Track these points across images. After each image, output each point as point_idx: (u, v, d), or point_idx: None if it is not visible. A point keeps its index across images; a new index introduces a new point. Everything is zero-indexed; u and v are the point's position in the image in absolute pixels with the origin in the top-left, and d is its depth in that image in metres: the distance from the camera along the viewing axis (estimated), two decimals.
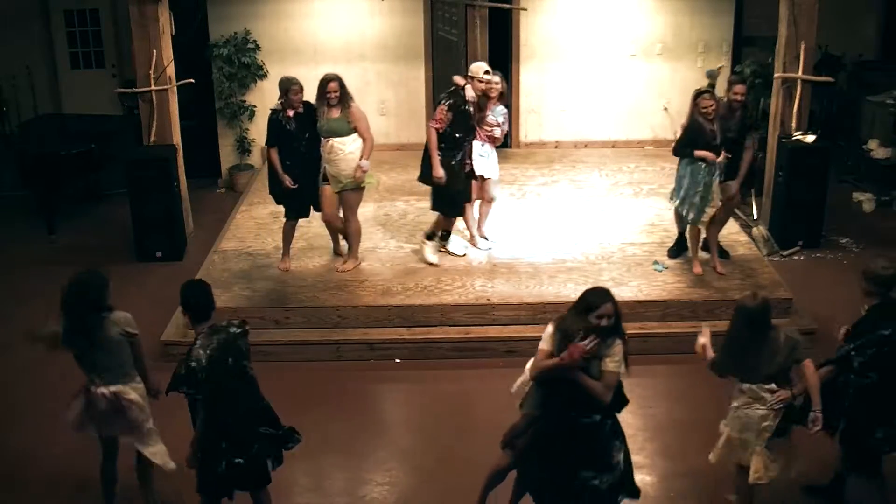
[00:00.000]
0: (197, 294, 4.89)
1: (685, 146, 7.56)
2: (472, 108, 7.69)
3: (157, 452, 5.28)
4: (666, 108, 11.16)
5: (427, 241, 8.10)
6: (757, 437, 5.00)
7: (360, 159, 7.60)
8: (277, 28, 10.90)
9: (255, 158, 11.20)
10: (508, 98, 8.60)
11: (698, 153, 7.44)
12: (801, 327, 7.23)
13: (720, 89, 8.95)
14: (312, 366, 7.25)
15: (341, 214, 7.99)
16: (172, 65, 9.04)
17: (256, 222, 9.26)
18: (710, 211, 7.64)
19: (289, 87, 7.55)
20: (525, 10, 10.36)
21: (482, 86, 7.73)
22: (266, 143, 7.76)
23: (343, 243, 8.29)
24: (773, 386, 4.93)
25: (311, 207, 8.01)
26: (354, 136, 7.60)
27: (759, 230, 9.01)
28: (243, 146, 11.13)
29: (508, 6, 9.96)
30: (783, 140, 8.88)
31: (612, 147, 11.38)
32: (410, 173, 10.35)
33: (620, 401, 4.74)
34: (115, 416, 5.18)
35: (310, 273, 8.09)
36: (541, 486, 4.87)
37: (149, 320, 5.34)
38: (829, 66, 10.52)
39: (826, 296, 7.83)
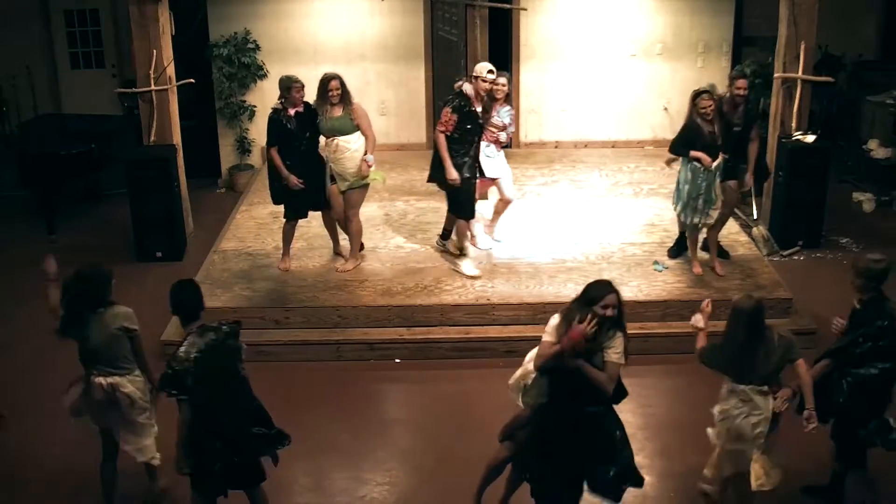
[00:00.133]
0: (186, 294, 4.90)
1: (681, 145, 7.57)
2: (476, 107, 7.60)
3: (142, 448, 5.31)
4: (666, 108, 11.16)
5: (461, 259, 7.95)
6: (752, 443, 5.01)
7: (365, 154, 7.61)
8: (277, 28, 10.90)
9: (255, 158, 11.20)
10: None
11: (694, 154, 7.44)
12: (801, 327, 7.26)
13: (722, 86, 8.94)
14: (312, 366, 7.25)
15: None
16: (172, 65, 9.05)
17: (256, 222, 9.26)
18: (713, 213, 7.63)
19: (290, 85, 7.55)
20: (525, 10, 10.36)
21: (486, 85, 7.62)
22: (267, 144, 7.73)
23: (343, 243, 8.30)
24: (766, 388, 4.95)
25: (311, 208, 8.01)
26: (358, 133, 7.62)
27: (759, 230, 9.01)
28: (243, 146, 11.14)
29: (508, 6, 9.95)
30: (783, 140, 8.88)
31: (612, 147, 11.38)
32: (410, 173, 10.40)
33: (620, 392, 4.82)
34: (108, 406, 5.22)
35: (310, 273, 8.09)
36: (542, 477, 4.89)
37: (148, 320, 5.35)
38: (829, 66, 10.52)
39: (826, 296, 7.82)
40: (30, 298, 8.31)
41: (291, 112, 7.58)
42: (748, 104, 7.88)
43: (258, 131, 11.10)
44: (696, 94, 7.46)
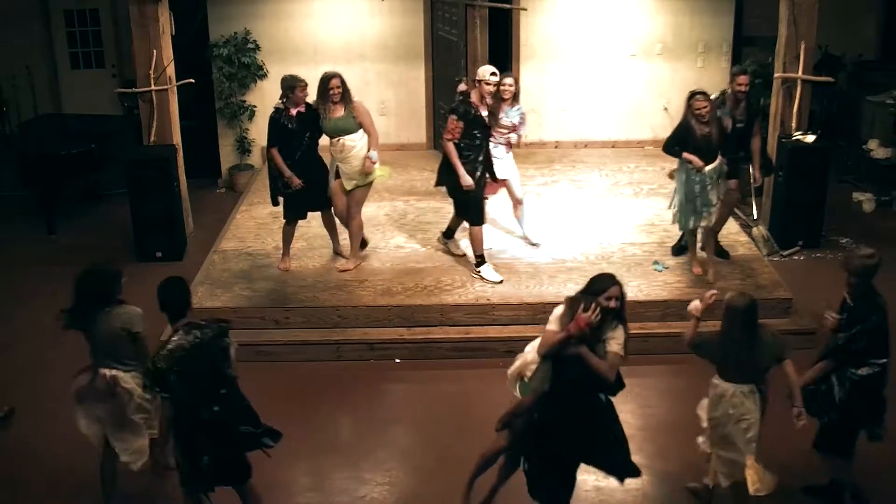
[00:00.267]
0: (173, 292, 4.92)
1: (673, 144, 7.57)
2: (481, 111, 7.55)
3: (128, 448, 5.33)
4: (666, 108, 11.16)
5: (480, 268, 7.90)
6: (746, 448, 5.03)
7: (368, 151, 7.62)
8: (277, 28, 10.90)
9: (255, 158, 11.20)
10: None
11: (686, 156, 7.44)
12: (801, 327, 7.27)
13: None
14: (312, 366, 7.25)
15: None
16: (172, 65, 9.05)
17: (256, 222, 9.26)
18: (708, 217, 7.58)
19: (295, 84, 7.54)
20: (525, 10, 10.36)
21: (490, 88, 7.55)
22: (267, 144, 7.72)
23: (344, 243, 8.31)
24: (753, 388, 5.00)
25: (310, 209, 8.01)
26: (362, 131, 7.64)
27: (759, 230, 9.01)
28: (243, 146, 11.13)
29: (508, 6, 9.96)
30: (783, 140, 8.88)
31: (612, 147, 11.37)
32: (410, 173, 10.40)
33: (618, 385, 4.91)
34: (105, 396, 5.28)
35: (310, 273, 8.09)
36: (538, 466, 4.93)
37: (148, 320, 5.35)
38: (829, 66, 10.52)
39: (826, 296, 7.78)
40: (30, 298, 8.34)
41: (293, 112, 7.58)
42: (749, 100, 7.90)
43: (258, 131, 11.10)
44: (692, 95, 7.43)
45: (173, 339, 4.75)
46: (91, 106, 11.49)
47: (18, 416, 6.55)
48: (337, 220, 8.22)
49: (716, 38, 11.09)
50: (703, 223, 7.65)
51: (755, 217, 9.48)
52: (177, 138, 9.20)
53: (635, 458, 5.96)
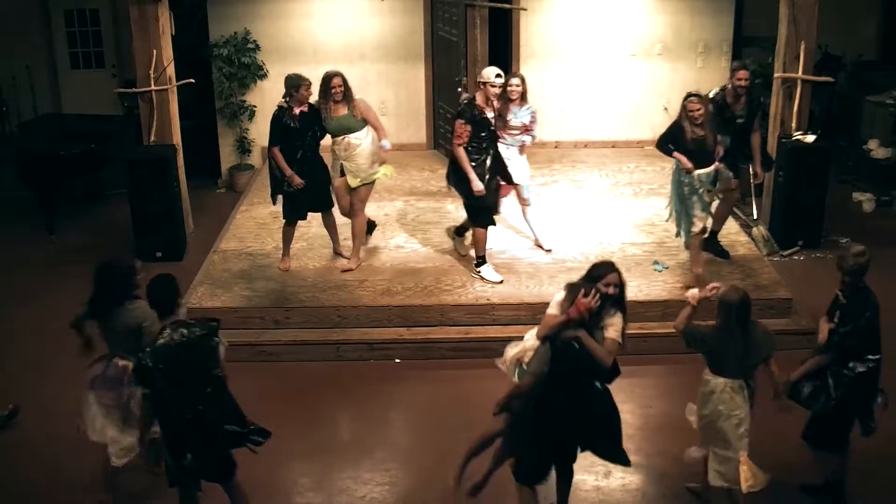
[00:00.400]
0: (162, 289, 4.94)
1: (665, 142, 7.53)
2: (487, 113, 7.52)
3: (120, 443, 5.36)
4: (666, 108, 11.14)
5: (480, 268, 7.89)
6: (738, 444, 5.07)
7: (382, 141, 7.69)
8: (277, 28, 10.89)
9: (255, 158, 11.20)
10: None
11: (676, 154, 7.43)
12: (801, 327, 7.27)
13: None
14: (312, 366, 7.26)
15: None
16: (172, 65, 9.05)
17: (256, 222, 9.26)
18: (697, 222, 7.51)
19: (300, 83, 7.55)
20: (525, 10, 10.36)
21: (496, 90, 7.52)
22: (269, 143, 7.71)
23: (344, 243, 8.32)
24: (743, 383, 5.06)
25: (310, 209, 8.01)
26: (367, 129, 7.68)
27: (759, 230, 9.01)
28: (243, 146, 11.13)
29: (508, 6, 9.96)
30: (783, 140, 8.88)
31: (612, 147, 11.37)
32: (410, 173, 10.41)
33: (613, 371, 5.01)
34: (115, 384, 5.35)
35: (310, 273, 8.09)
36: (530, 449, 5.00)
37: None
38: (829, 66, 10.52)
39: (826, 296, 7.79)
40: (30, 298, 8.34)
41: (296, 111, 7.58)
42: (750, 95, 7.89)
43: (258, 131, 11.10)
44: (687, 96, 7.37)
45: (161, 336, 4.76)
46: (91, 106, 11.49)
47: (19, 417, 6.55)
48: (337, 221, 8.22)
49: (716, 38, 11.09)
50: (694, 228, 7.54)
51: (755, 217, 9.48)
52: (177, 138, 9.20)
53: (635, 457, 6.00)
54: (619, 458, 5.13)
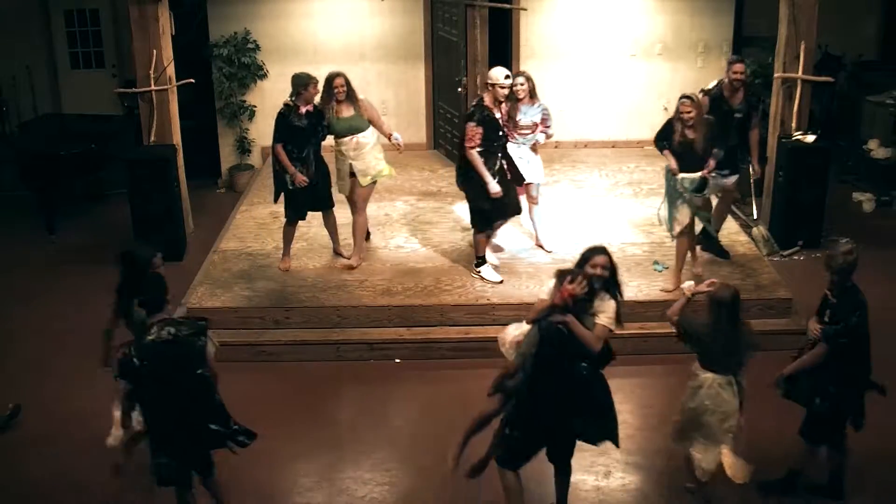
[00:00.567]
0: (150, 287, 4.96)
1: (661, 139, 7.54)
2: (496, 113, 7.50)
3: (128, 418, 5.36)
4: (666, 108, 11.12)
5: (480, 268, 7.87)
6: (723, 438, 5.14)
7: (391, 135, 7.83)
8: (277, 28, 10.89)
9: (255, 158, 11.20)
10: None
11: (665, 153, 7.43)
12: (801, 327, 7.22)
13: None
14: (312, 366, 7.26)
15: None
16: (172, 65, 9.05)
17: (256, 222, 9.26)
18: (676, 226, 7.50)
19: (308, 81, 7.58)
20: (525, 10, 10.36)
21: (505, 91, 7.50)
22: (273, 140, 7.70)
23: (344, 243, 8.33)
24: (731, 379, 5.12)
25: (311, 209, 8.01)
26: (372, 128, 7.77)
27: (759, 230, 9.01)
28: (243, 146, 11.13)
29: (508, 6, 9.96)
30: (783, 140, 8.88)
31: (612, 147, 11.37)
32: (410, 173, 10.41)
33: (607, 356, 5.07)
34: None
35: (310, 273, 8.09)
36: (518, 431, 5.05)
37: None
38: (829, 66, 10.52)
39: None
40: (30, 298, 8.34)
41: (302, 110, 7.59)
42: (748, 89, 7.89)
43: (258, 131, 11.11)
44: (680, 97, 7.34)
45: (149, 333, 4.79)
46: (91, 106, 11.49)
47: (19, 417, 6.54)
48: (338, 221, 8.23)
49: (716, 38, 11.09)
50: (675, 229, 7.53)
51: (755, 217, 9.48)
52: (177, 138, 9.20)
53: (635, 457, 6.02)
54: (610, 436, 5.18)
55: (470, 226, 8.30)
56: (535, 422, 5.01)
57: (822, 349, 5.24)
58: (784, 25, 8.75)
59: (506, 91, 7.51)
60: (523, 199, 8.26)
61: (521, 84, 7.80)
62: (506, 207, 7.72)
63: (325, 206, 8.03)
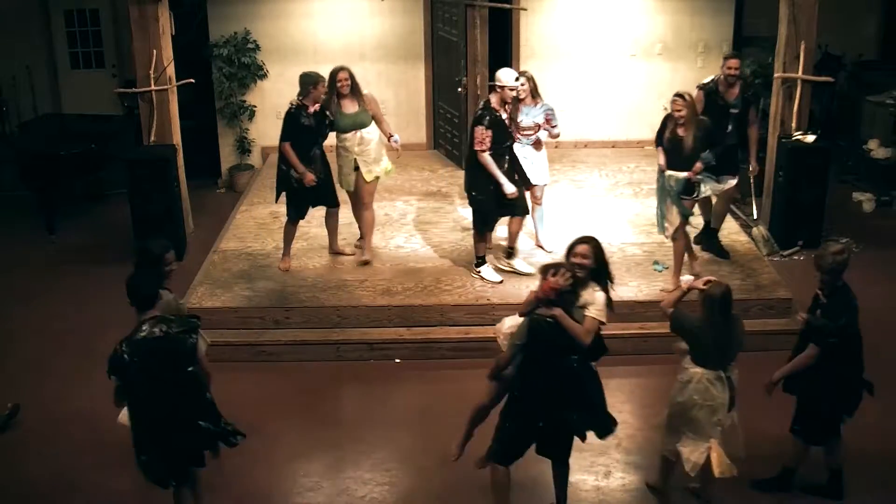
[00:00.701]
0: (140, 284, 4.96)
1: (657, 136, 7.55)
2: (503, 114, 7.49)
3: None
4: (666, 108, 11.07)
5: (480, 268, 7.87)
6: (711, 432, 5.16)
7: (391, 136, 7.89)
8: (277, 28, 10.89)
9: (255, 158, 11.20)
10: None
11: (658, 149, 7.44)
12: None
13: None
14: (312, 366, 7.25)
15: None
16: (172, 65, 9.04)
17: (256, 222, 9.26)
18: (668, 227, 7.50)
19: (318, 80, 7.60)
20: (525, 10, 10.36)
21: (513, 93, 7.49)
22: (281, 139, 7.70)
23: (342, 242, 8.35)
24: (722, 374, 5.14)
25: (312, 205, 8.02)
26: (374, 123, 7.85)
27: (759, 230, 9.00)
28: (243, 146, 11.13)
29: (508, 6, 9.96)
30: (783, 140, 8.88)
31: (612, 147, 11.37)
32: (410, 173, 10.41)
33: (600, 349, 5.10)
34: None
35: (310, 273, 8.09)
36: (509, 423, 5.09)
37: None
38: (829, 66, 10.52)
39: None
40: (30, 298, 8.34)
41: (311, 109, 7.61)
42: (744, 83, 7.90)
43: (258, 131, 11.11)
44: (673, 95, 7.34)
45: (140, 330, 4.80)
46: (91, 106, 11.49)
47: (19, 417, 6.54)
48: (340, 221, 8.28)
49: (716, 38, 11.08)
50: (666, 229, 7.54)
51: (755, 217, 9.48)
52: (177, 138, 9.20)
53: (635, 457, 6.02)
54: (599, 428, 5.19)
55: (471, 226, 8.32)
56: (526, 415, 5.04)
57: (814, 351, 5.24)
58: (784, 25, 8.75)
59: (514, 93, 7.51)
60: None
61: (522, 84, 7.78)
62: (514, 209, 7.70)
63: (331, 202, 8.04)
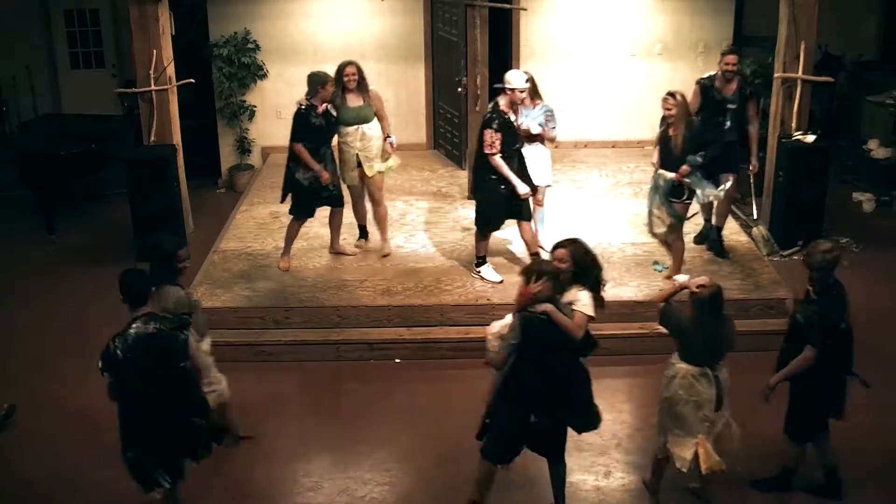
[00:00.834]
0: (132, 281, 4.97)
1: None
2: (513, 116, 7.47)
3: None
4: None
5: (480, 268, 7.87)
6: (698, 427, 5.18)
7: (388, 136, 7.94)
8: (277, 28, 10.89)
9: (255, 158, 11.20)
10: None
11: (655, 148, 7.43)
12: None
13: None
14: (312, 366, 7.26)
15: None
16: (172, 65, 9.04)
17: (256, 222, 9.26)
18: (658, 224, 7.51)
19: (327, 80, 7.63)
20: (525, 10, 10.35)
21: (522, 95, 7.44)
22: (292, 139, 7.69)
23: (342, 242, 8.36)
24: (707, 370, 5.17)
25: (319, 205, 8.03)
26: (376, 119, 7.91)
27: (759, 230, 9.00)
28: (243, 146, 11.14)
29: (508, 6, 9.94)
30: (783, 140, 8.87)
31: (612, 147, 11.37)
32: (410, 173, 10.41)
33: (590, 343, 5.14)
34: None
35: (310, 273, 8.09)
36: (503, 420, 5.13)
37: None
38: (829, 66, 10.52)
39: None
40: (30, 298, 8.34)
41: (320, 109, 7.63)
42: (742, 79, 7.90)
43: (258, 131, 11.11)
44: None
45: (133, 327, 4.81)
46: (91, 106, 11.49)
47: (18, 417, 6.54)
48: (342, 220, 8.27)
49: (716, 38, 11.08)
50: (657, 225, 7.54)
51: (755, 217, 9.48)
52: (177, 138, 9.20)
53: (634, 457, 6.02)
54: (588, 425, 5.26)
55: (472, 226, 8.32)
56: (521, 413, 5.06)
57: (811, 353, 5.23)
58: (784, 25, 8.75)
59: (524, 95, 7.47)
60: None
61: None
62: (520, 213, 7.68)
63: (338, 202, 8.05)
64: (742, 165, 8.36)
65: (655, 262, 8.11)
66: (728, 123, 7.96)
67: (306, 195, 7.82)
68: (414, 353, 7.38)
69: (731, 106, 7.87)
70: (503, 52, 10.81)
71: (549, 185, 8.26)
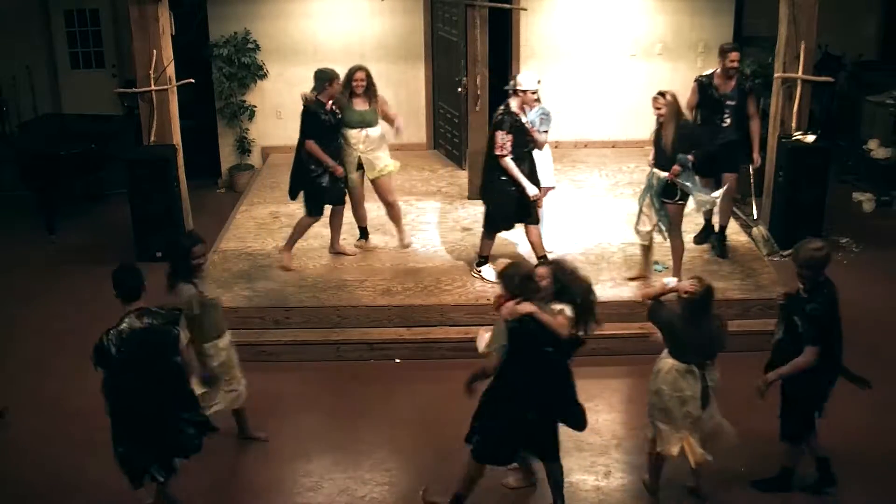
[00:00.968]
0: (124, 276, 5.01)
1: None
2: (524, 118, 7.46)
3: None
4: None
5: (481, 268, 7.89)
6: (682, 422, 5.22)
7: (395, 120, 7.99)
8: (277, 28, 10.90)
9: (255, 158, 11.21)
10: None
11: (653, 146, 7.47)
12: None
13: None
14: (312, 366, 7.26)
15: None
16: (172, 65, 9.04)
17: (256, 222, 9.26)
18: (646, 219, 7.50)
19: (334, 77, 7.72)
20: (525, 10, 10.35)
21: (534, 97, 7.44)
22: (303, 137, 7.74)
23: (342, 242, 8.37)
24: (695, 369, 5.19)
25: (328, 202, 8.07)
26: (380, 125, 8.00)
27: (759, 230, 9.00)
28: (243, 146, 11.14)
29: (508, 6, 9.94)
30: (783, 140, 8.87)
31: (612, 147, 11.37)
32: (410, 173, 10.41)
33: (576, 341, 5.15)
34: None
35: (310, 273, 8.09)
36: (496, 421, 5.15)
37: None
38: (829, 66, 10.52)
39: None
40: (30, 298, 8.34)
41: (328, 106, 7.68)
42: (742, 76, 7.90)
43: (258, 131, 11.11)
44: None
45: (125, 321, 4.83)
46: (91, 106, 11.49)
47: (18, 417, 6.54)
48: (342, 219, 8.30)
49: (716, 38, 11.03)
50: (644, 223, 7.53)
51: (755, 217, 9.47)
52: (177, 138, 9.20)
53: (634, 457, 6.01)
54: (573, 420, 5.30)
55: (472, 227, 8.33)
56: (513, 413, 5.08)
57: (813, 354, 5.21)
58: (784, 25, 8.75)
59: (535, 97, 7.49)
60: None
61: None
62: (529, 216, 7.64)
63: (341, 200, 8.09)
64: (742, 165, 8.36)
65: (655, 262, 8.11)
66: (728, 121, 7.96)
67: (317, 193, 7.85)
68: (414, 353, 7.38)
69: (730, 102, 7.86)
70: (503, 52, 10.82)
71: (552, 188, 8.22)
